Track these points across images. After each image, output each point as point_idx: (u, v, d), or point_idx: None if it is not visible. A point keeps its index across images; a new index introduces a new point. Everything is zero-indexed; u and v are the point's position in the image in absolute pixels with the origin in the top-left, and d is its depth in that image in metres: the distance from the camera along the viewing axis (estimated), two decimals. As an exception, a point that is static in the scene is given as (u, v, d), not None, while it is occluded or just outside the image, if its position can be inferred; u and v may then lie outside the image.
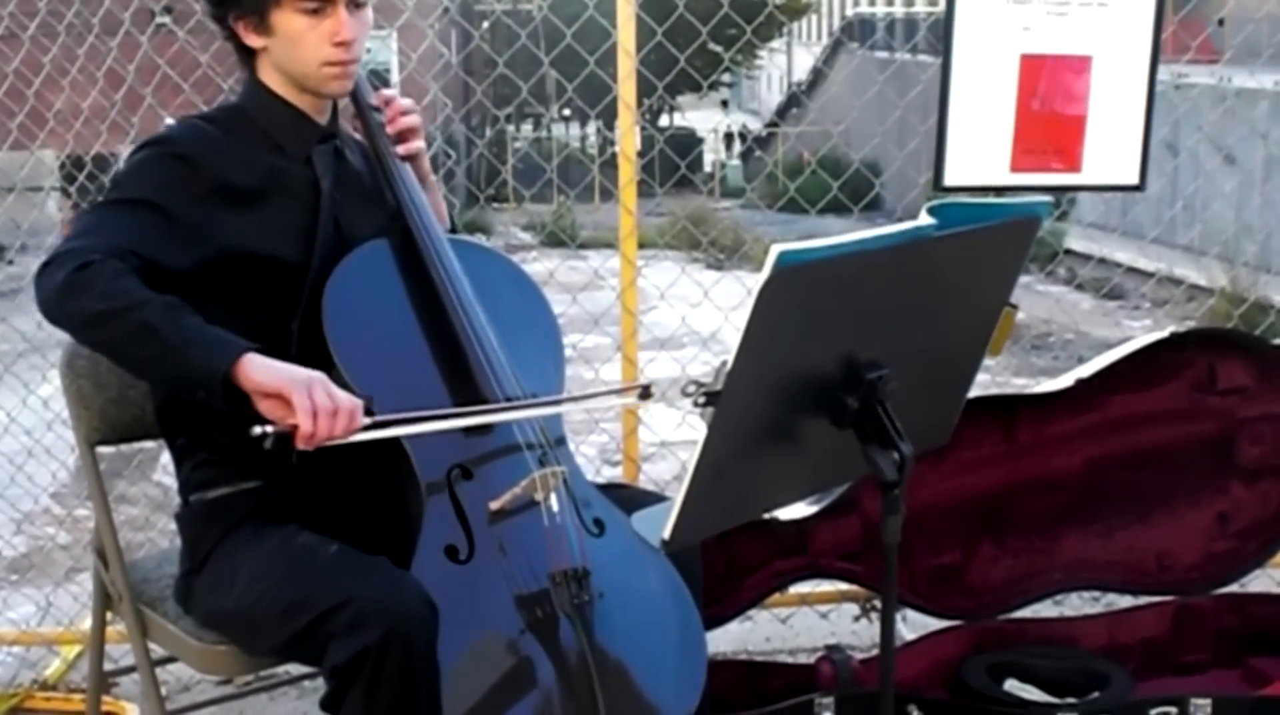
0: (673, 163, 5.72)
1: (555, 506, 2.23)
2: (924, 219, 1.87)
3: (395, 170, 2.43)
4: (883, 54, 26.49)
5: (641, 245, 3.62)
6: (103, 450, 2.63)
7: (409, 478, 2.22)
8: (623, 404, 2.38)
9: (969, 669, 3.01)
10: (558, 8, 4.69)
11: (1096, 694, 2.93)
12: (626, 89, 3.42)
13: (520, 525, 2.21)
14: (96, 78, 4.55)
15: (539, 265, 4.45)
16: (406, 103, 2.49)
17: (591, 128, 28.18)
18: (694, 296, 4.20)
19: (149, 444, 2.84)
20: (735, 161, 30.44)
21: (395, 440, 2.19)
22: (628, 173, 3.47)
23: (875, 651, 3.23)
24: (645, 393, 2.34)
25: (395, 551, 2.18)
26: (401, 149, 2.46)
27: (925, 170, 3.07)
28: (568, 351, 2.57)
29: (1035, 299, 8.51)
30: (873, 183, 4.80)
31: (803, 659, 3.46)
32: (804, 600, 3.75)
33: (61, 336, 2.24)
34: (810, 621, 3.82)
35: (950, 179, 2.94)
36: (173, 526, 2.44)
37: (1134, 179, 3.02)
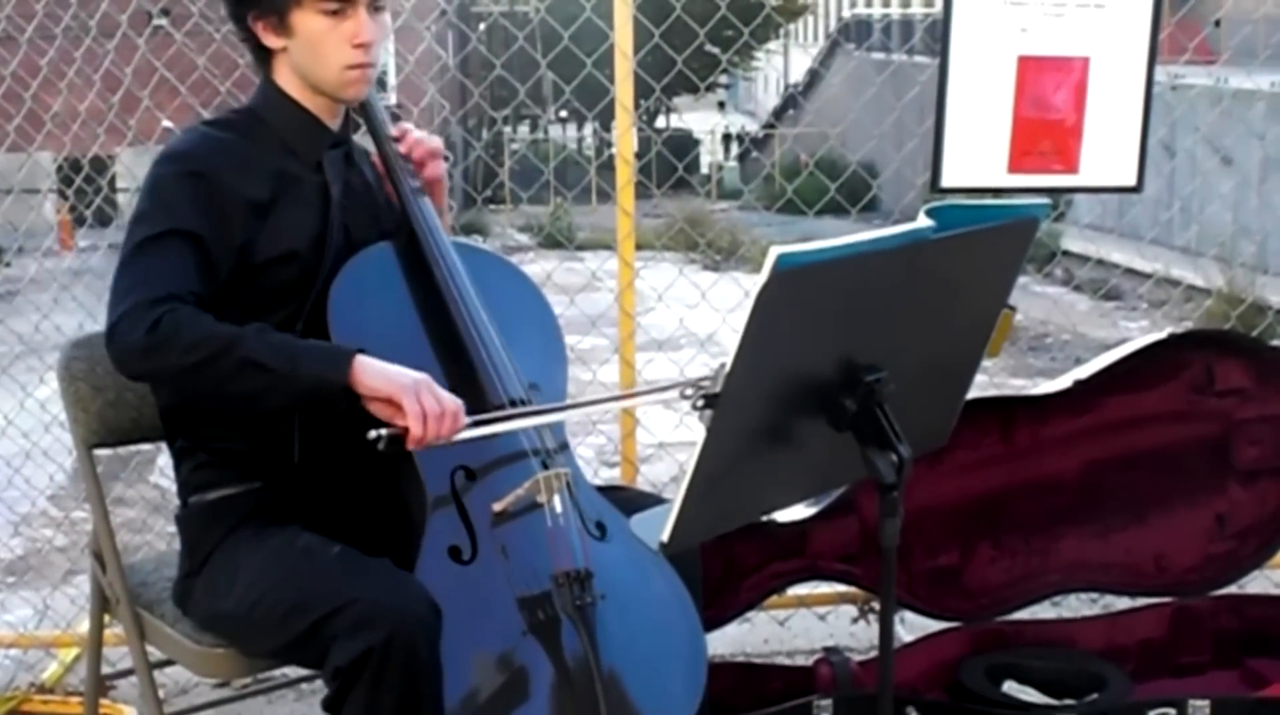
0: (670, 164, 5.71)
1: (558, 508, 2.23)
2: (922, 221, 1.88)
3: (411, 199, 2.42)
4: (880, 55, 26.50)
5: (639, 247, 3.62)
6: (100, 453, 2.63)
7: (412, 479, 2.22)
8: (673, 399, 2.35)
9: (967, 670, 3.01)
10: (555, 9, 4.70)
11: (1095, 695, 2.93)
12: (624, 91, 3.42)
13: (523, 527, 2.22)
14: (93, 80, 4.55)
15: (536, 267, 4.45)
16: (426, 137, 2.48)
17: (589, 129, 28.17)
18: (691, 298, 4.20)
19: (146, 446, 2.84)
20: (732, 163, 30.47)
21: None
22: (625, 174, 3.47)
23: (873, 653, 3.23)
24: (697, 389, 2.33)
25: (397, 553, 2.19)
26: (425, 174, 2.45)
27: (923, 171, 3.07)
28: (566, 352, 2.57)
29: (1033, 300, 8.52)
30: (870, 184, 4.82)
31: (801, 661, 3.46)
32: (802, 602, 3.75)
33: (59, 339, 2.24)
34: (808, 623, 3.82)
35: (948, 180, 2.95)
36: (170, 529, 2.45)
37: (1131, 180, 3.02)
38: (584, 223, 14.69)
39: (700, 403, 1.76)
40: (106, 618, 2.66)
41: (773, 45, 36.86)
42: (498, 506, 2.21)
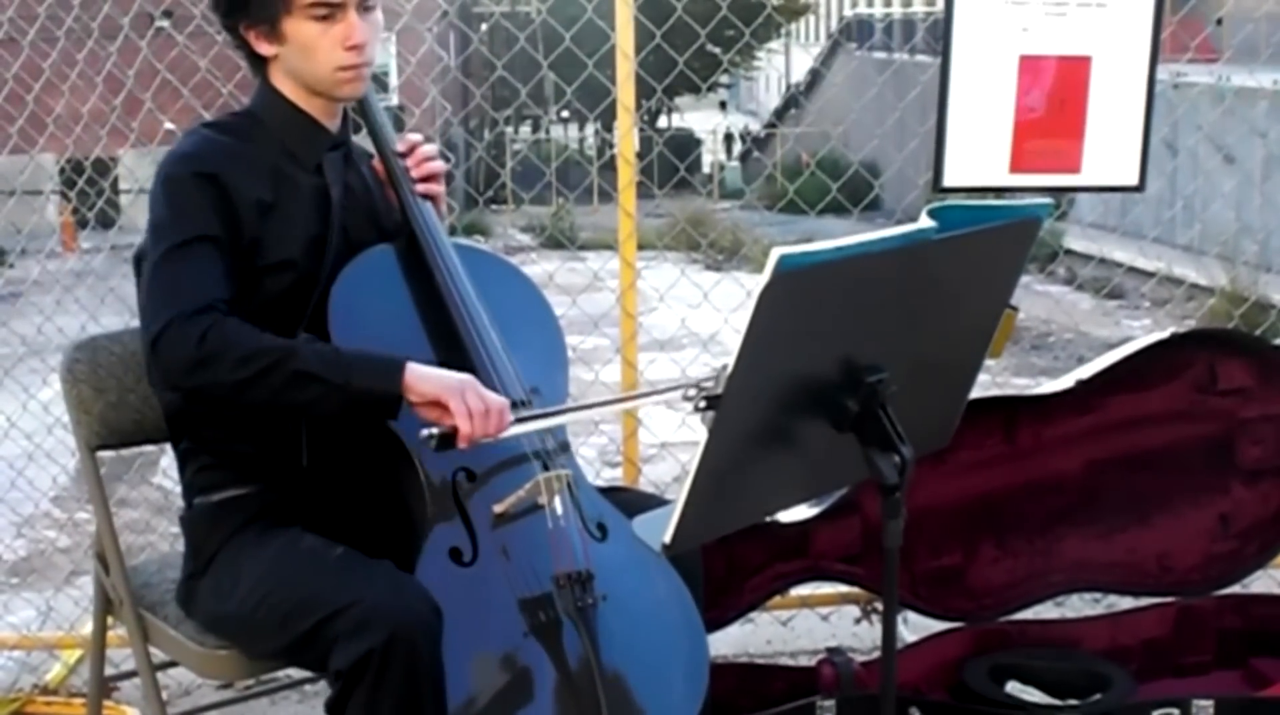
0: (672, 164, 5.72)
1: (559, 510, 2.23)
2: (924, 221, 1.87)
3: (412, 201, 2.42)
4: (881, 55, 26.52)
5: (641, 247, 3.62)
6: (103, 454, 2.63)
7: (414, 480, 2.22)
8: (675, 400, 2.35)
9: (970, 671, 3.00)
10: (556, 10, 4.70)
11: (1098, 696, 2.93)
12: (625, 91, 3.41)
13: (524, 528, 2.22)
14: (96, 82, 4.55)
15: (538, 267, 4.45)
16: (431, 148, 2.49)
17: (590, 130, 28.19)
18: (693, 298, 4.20)
19: (149, 448, 2.84)
20: (734, 163, 30.49)
21: (400, 441, 2.20)
22: (627, 175, 3.47)
23: (876, 654, 3.23)
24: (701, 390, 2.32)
25: (399, 554, 2.19)
26: (421, 188, 2.46)
27: (924, 171, 3.06)
28: (568, 353, 2.57)
29: (1035, 299, 8.51)
30: (872, 184, 4.80)
31: (804, 661, 3.46)
32: (805, 602, 3.74)
33: (61, 341, 2.24)
34: (811, 624, 3.82)
35: (950, 180, 2.94)
36: (173, 530, 2.45)
37: (1133, 179, 3.02)
38: (586, 223, 14.69)
39: (702, 404, 1.76)
40: (110, 619, 2.66)
41: (774, 45, 36.89)
42: (499, 508, 2.21)
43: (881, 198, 5.21)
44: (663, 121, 32.11)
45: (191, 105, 3.90)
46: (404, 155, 2.45)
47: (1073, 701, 2.93)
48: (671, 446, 4.19)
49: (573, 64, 4.30)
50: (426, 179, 2.45)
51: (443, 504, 2.21)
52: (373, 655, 2.01)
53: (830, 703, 2.88)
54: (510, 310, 2.42)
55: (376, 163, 2.47)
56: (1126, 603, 3.24)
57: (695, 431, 1.80)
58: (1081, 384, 3.07)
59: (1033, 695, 2.96)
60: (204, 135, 2.33)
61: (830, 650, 3.08)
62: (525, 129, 30.28)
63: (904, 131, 5.42)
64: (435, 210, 2.47)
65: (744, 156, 31.79)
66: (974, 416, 2.92)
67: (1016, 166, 2.96)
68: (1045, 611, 3.33)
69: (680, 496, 1.81)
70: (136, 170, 4.91)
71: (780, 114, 33.91)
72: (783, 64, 39.34)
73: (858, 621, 3.69)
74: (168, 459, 2.47)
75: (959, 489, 3.09)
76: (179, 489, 2.45)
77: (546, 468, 2.26)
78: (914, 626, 3.36)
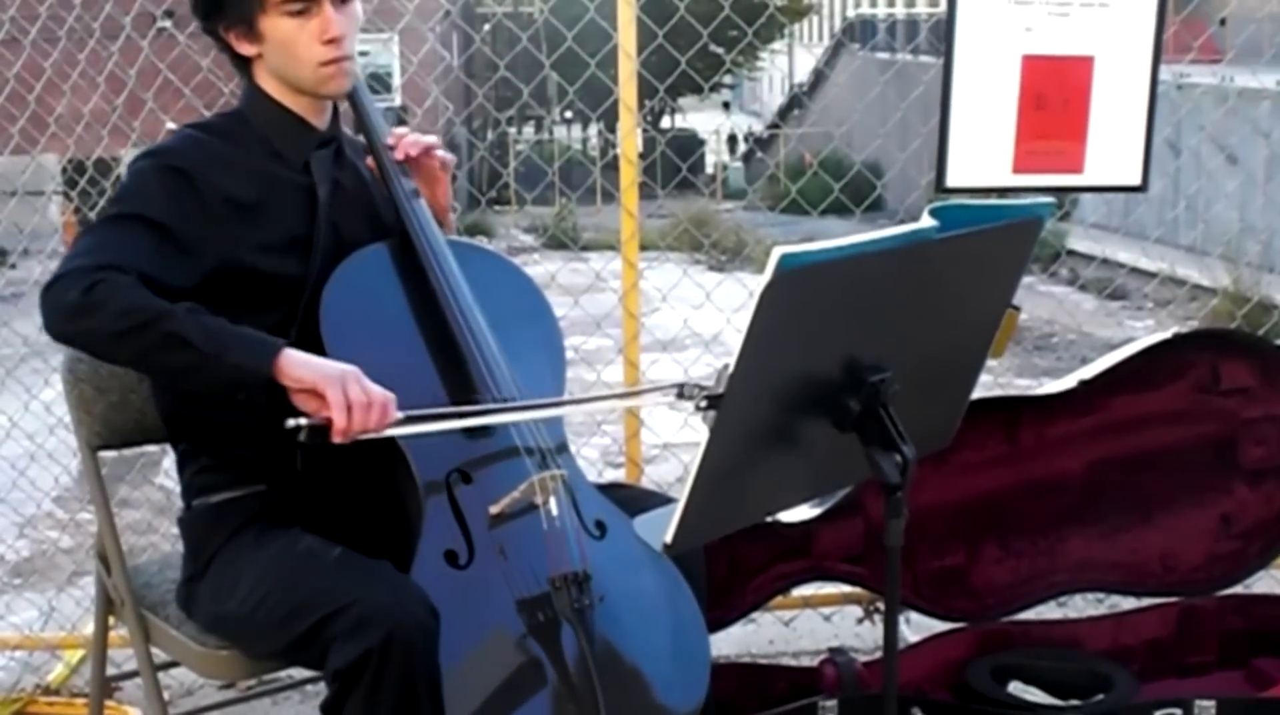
0: (674, 165, 5.73)
1: (555, 510, 2.22)
2: (926, 221, 1.87)
3: (405, 200, 2.41)
4: (884, 55, 26.51)
5: (643, 247, 3.62)
6: (105, 454, 2.63)
7: (408, 482, 2.21)
8: (659, 403, 2.34)
9: (973, 671, 3.00)
10: (558, 10, 4.69)
11: (1101, 696, 2.92)
12: (628, 91, 3.41)
13: (520, 529, 2.21)
14: (98, 82, 4.55)
15: (541, 267, 4.44)
16: (405, 131, 2.47)
17: (593, 130, 28.22)
18: (696, 298, 4.20)
19: (151, 448, 2.84)
20: (737, 163, 30.48)
21: (395, 444, 2.18)
22: (629, 175, 3.47)
23: (879, 654, 3.22)
24: (682, 393, 2.31)
25: (397, 556, 2.18)
26: (423, 169, 2.44)
27: (927, 171, 3.06)
28: (570, 354, 2.57)
29: (1038, 299, 8.50)
30: (874, 184, 4.80)
31: (806, 661, 3.46)
32: (807, 602, 3.74)
33: (63, 341, 2.23)
34: (813, 624, 3.82)
35: (952, 180, 2.94)
36: (175, 530, 2.44)
37: (1136, 179, 3.02)
38: (588, 223, 14.68)
39: (703, 404, 1.76)
40: (111, 619, 2.66)
41: (777, 45, 36.90)
42: (494, 509, 2.20)
43: (884, 198, 5.22)
44: (666, 122, 32.11)
45: (193, 105, 3.90)
46: (392, 147, 2.44)
47: (1075, 702, 2.92)
48: (674, 447, 4.19)
49: (575, 64, 4.30)
50: (419, 160, 2.43)
51: (437, 505, 2.20)
52: (370, 655, 2.01)
53: (832, 703, 2.88)
54: (506, 308, 2.41)
55: (370, 162, 2.46)
56: (1129, 603, 3.24)
57: (698, 432, 1.80)
58: (1084, 384, 3.07)
59: (1035, 695, 2.95)
60: (186, 134, 2.34)
61: (833, 650, 3.08)
62: (528, 129, 30.28)
63: (906, 132, 5.42)
64: (439, 193, 2.46)
65: (747, 157, 31.77)
66: (976, 416, 2.93)
67: (1019, 167, 2.96)
68: (1048, 612, 3.33)
69: (682, 496, 1.80)
70: (139, 170, 4.89)
71: (783, 114, 33.90)
72: (786, 64, 39.34)
73: (860, 622, 3.69)
74: (170, 459, 2.47)
75: (961, 489, 3.09)
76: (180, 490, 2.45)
77: (543, 467, 2.25)
78: (916, 627, 3.36)
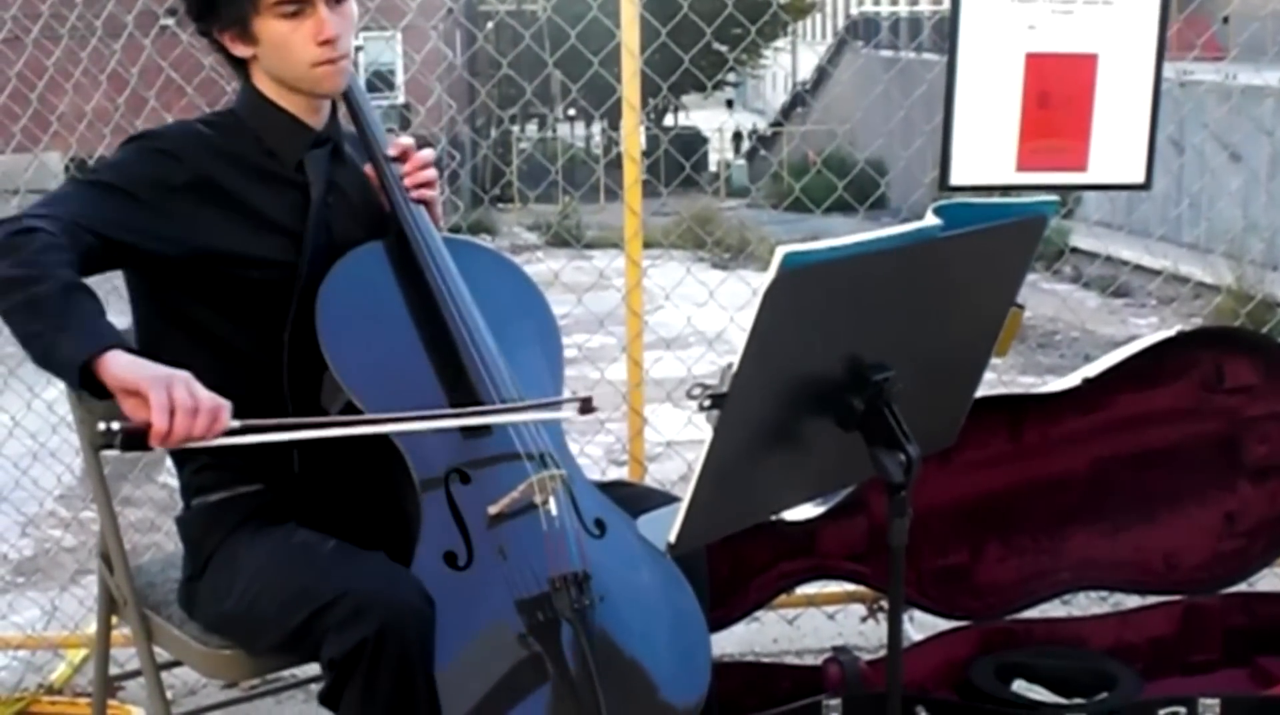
0: (678, 163, 5.71)
1: (554, 510, 2.21)
2: (930, 219, 1.87)
3: (401, 199, 2.40)
4: (888, 53, 26.44)
5: (647, 245, 3.61)
6: (107, 453, 2.62)
7: (407, 483, 2.21)
8: (561, 417, 2.35)
9: (976, 670, 3.00)
10: (562, 8, 4.69)
11: (1105, 694, 2.92)
12: (631, 89, 3.41)
13: (519, 529, 2.20)
14: (100, 80, 4.55)
15: (544, 266, 4.44)
16: (426, 155, 2.46)
17: (596, 128, 28.17)
18: (699, 296, 4.19)
19: (153, 447, 2.84)
20: (740, 161, 30.46)
21: (392, 444, 2.18)
22: (633, 173, 3.46)
23: (882, 652, 3.22)
24: (586, 407, 2.30)
25: (396, 556, 2.18)
26: (415, 195, 2.44)
27: (931, 169, 3.06)
28: (573, 352, 2.56)
29: (1041, 297, 8.50)
30: (878, 182, 4.80)
31: (810, 660, 3.45)
32: (811, 601, 3.74)
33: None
34: (817, 622, 3.81)
35: (956, 178, 2.94)
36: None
37: (1140, 177, 3.01)
38: (592, 221, 14.69)
39: (707, 403, 1.75)
40: (114, 619, 2.66)
41: (780, 43, 36.91)
42: (493, 510, 2.19)
43: (888, 196, 5.22)
44: (669, 120, 32.09)
45: (196, 103, 3.90)
46: (397, 159, 2.42)
47: (1079, 700, 2.92)
48: (678, 445, 4.19)
49: (578, 62, 4.30)
50: (420, 187, 2.43)
51: (435, 505, 2.19)
52: (365, 644, 2.00)
53: (836, 701, 2.88)
54: (504, 307, 2.40)
55: (369, 168, 2.45)
56: (1133, 601, 3.24)
57: (701, 430, 1.79)
58: (1088, 382, 3.07)
59: (1039, 694, 2.95)
60: (185, 125, 2.34)
61: (836, 649, 3.08)
62: (531, 127, 30.26)
63: (910, 129, 5.41)
64: (430, 214, 2.45)
65: (750, 155, 31.74)
66: (980, 415, 2.91)
67: (1023, 164, 2.96)
68: (1051, 610, 3.32)
69: (685, 496, 1.80)
70: (141, 169, 4.89)
71: (787, 112, 33.91)
72: (789, 62, 39.35)
73: (864, 620, 3.68)
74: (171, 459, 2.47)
75: (965, 487, 3.09)
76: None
77: (542, 467, 2.25)
78: (920, 625, 3.36)
